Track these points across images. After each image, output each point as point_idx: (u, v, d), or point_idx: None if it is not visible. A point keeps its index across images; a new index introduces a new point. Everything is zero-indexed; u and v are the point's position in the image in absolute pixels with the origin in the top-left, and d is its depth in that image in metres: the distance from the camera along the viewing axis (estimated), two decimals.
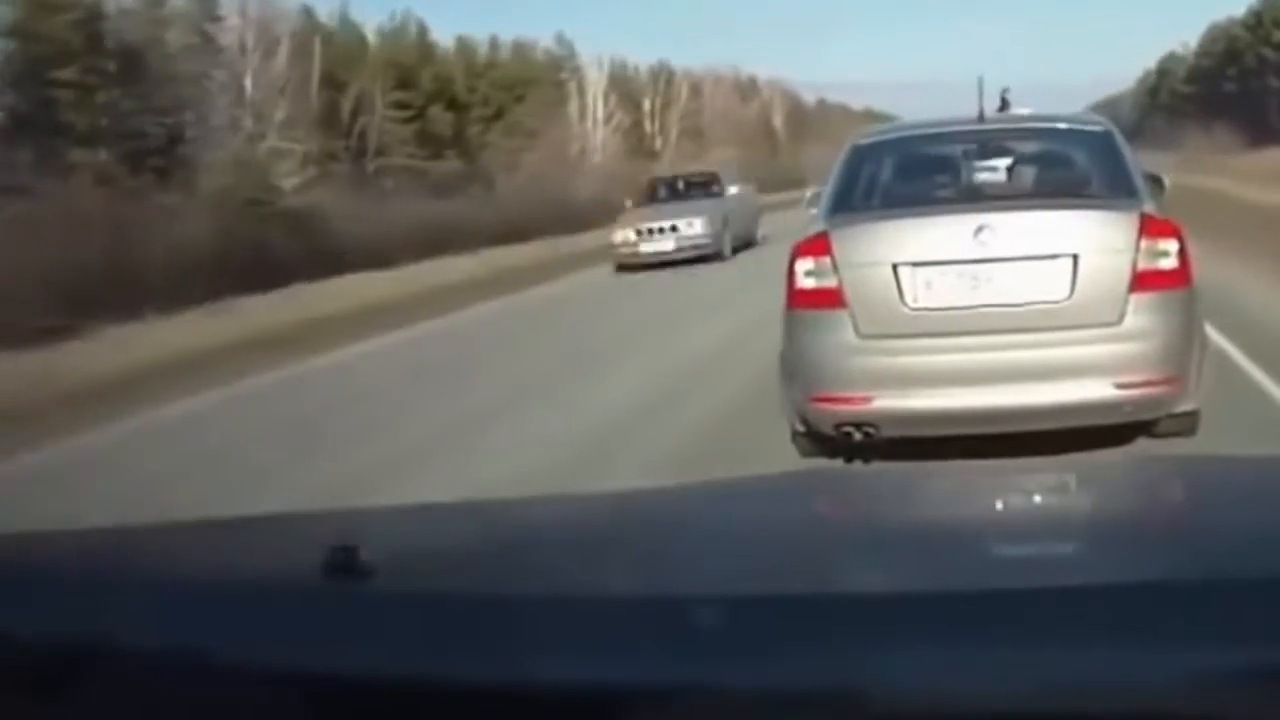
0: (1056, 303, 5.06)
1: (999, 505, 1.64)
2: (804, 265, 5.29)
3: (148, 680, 1.03)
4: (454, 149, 38.45)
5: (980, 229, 5.11)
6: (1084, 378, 5.02)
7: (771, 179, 51.98)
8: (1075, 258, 5.06)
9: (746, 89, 63.91)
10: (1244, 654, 0.93)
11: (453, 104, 40.11)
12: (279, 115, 30.02)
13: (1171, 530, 1.40)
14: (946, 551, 1.32)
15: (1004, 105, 6.53)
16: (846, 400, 5.15)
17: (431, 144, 37.83)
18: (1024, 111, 6.69)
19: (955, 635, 0.96)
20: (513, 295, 16.70)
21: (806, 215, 6.03)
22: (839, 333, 5.18)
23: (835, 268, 5.21)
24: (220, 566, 1.32)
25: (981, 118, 6.01)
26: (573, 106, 44.42)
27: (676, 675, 0.96)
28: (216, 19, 31.56)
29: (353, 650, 1.02)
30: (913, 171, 6.11)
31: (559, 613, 1.05)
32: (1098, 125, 6.21)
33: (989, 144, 5.96)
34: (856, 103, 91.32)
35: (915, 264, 5.15)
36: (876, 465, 5.16)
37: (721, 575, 1.23)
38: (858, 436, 5.16)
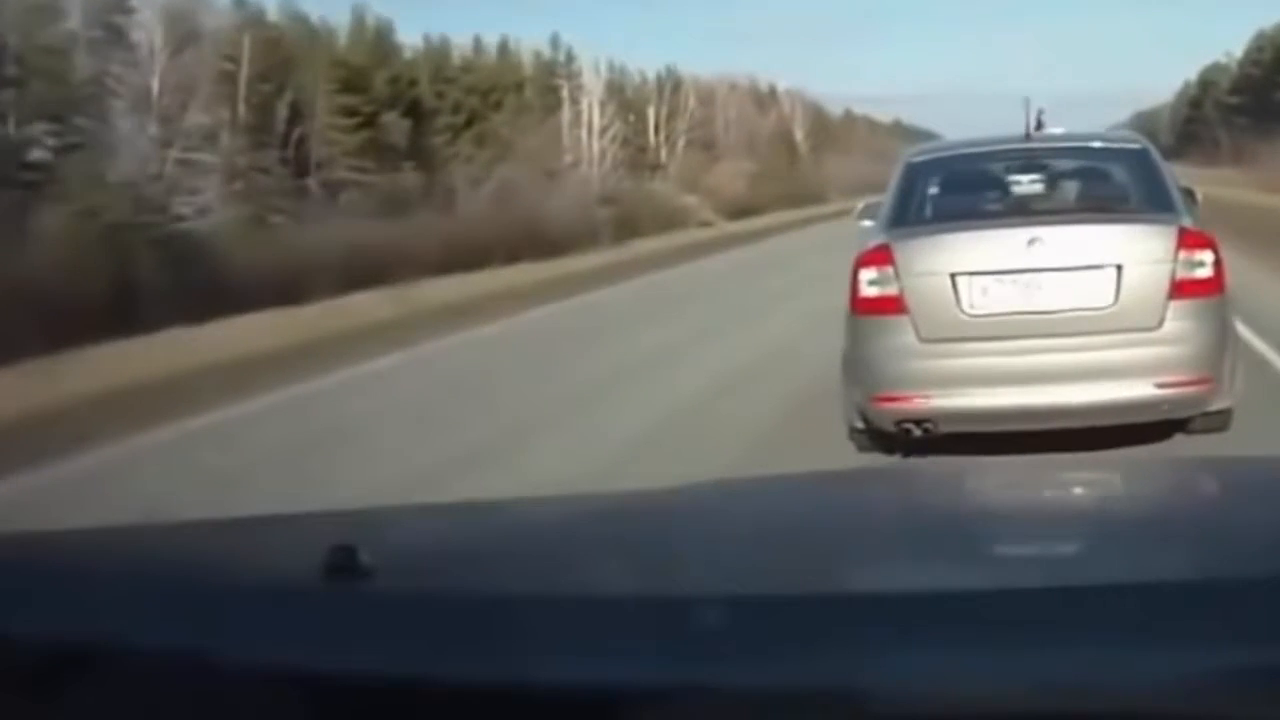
0: (1102, 309, 5.46)
1: (999, 505, 1.64)
2: (867, 274, 5.65)
3: (148, 680, 1.03)
4: (414, 160, 33.46)
5: (1032, 241, 5.52)
6: (1126, 378, 5.41)
7: (789, 194, 47.17)
8: (1119, 268, 5.48)
9: (764, 99, 60.13)
10: (1245, 654, 0.93)
11: (414, 110, 35.56)
12: (191, 121, 25.45)
13: (1173, 530, 1.40)
14: (947, 551, 1.33)
15: (1039, 125, 6.73)
16: (907, 399, 5.52)
17: (387, 155, 33.00)
18: (1058, 130, 7.01)
19: (955, 635, 0.96)
20: (420, 346, 12.65)
21: (857, 227, 6.50)
22: (901, 337, 5.55)
23: (897, 276, 5.58)
24: (220, 566, 1.32)
25: (1028, 136, 6.46)
26: (566, 114, 40.29)
27: (676, 675, 0.96)
28: (128, 11, 26.25)
29: (353, 650, 1.02)
30: (965, 187, 6.52)
31: (559, 613, 1.05)
32: (1136, 144, 6.70)
33: (1036, 162, 6.30)
34: (884, 115, 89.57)
35: (972, 273, 5.54)
36: (874, 467, 5.20)
37: (721, 575, 1.24)
38: (917, 432, 5.56)
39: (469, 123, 37.61)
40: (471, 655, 1.00)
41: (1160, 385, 5.42)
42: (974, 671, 0.94)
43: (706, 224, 37.73)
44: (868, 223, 6.27)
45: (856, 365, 5.78)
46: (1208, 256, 5.55)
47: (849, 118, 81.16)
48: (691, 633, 0.98)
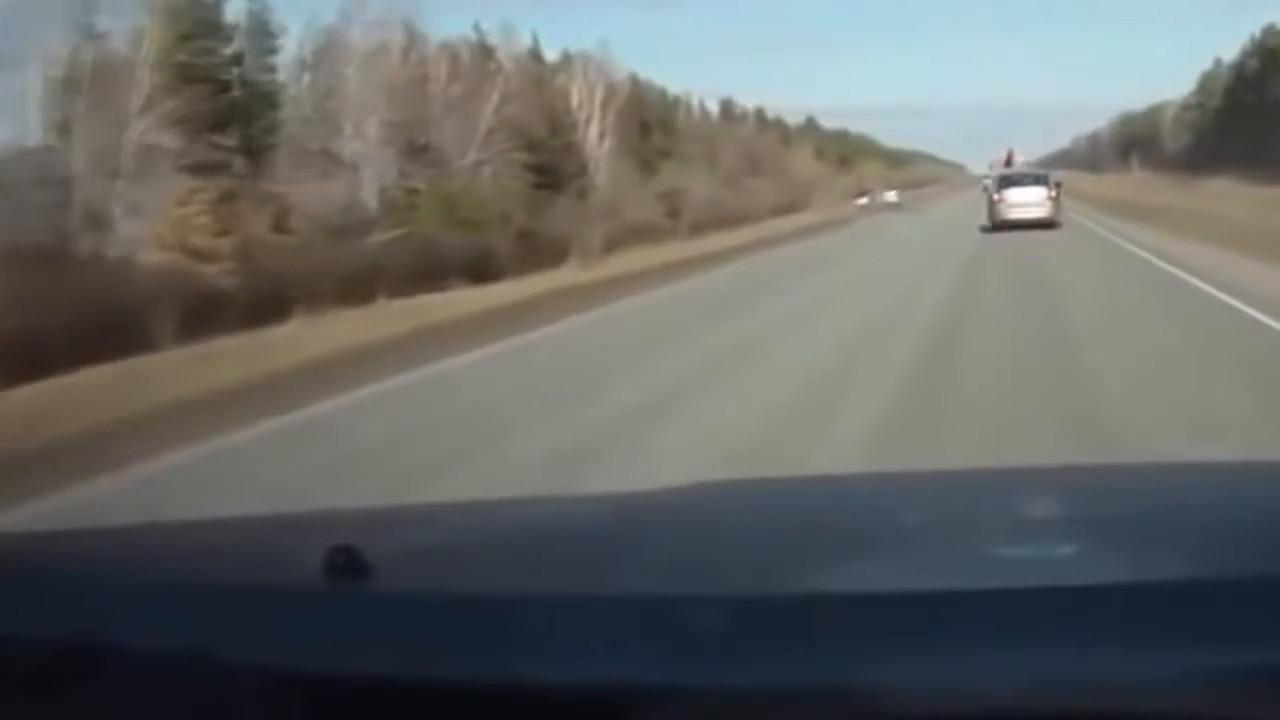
0: (1036, 199, 35.43)
1: (1000, 508, 1.64)
2: (994, 194, 35.76)
3: (148, 680, 1.03)
4: None
5: (1023, 188, 36.72)
6: (1040, 213, 34.11)
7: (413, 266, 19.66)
8: (1043, 191, 36.44)
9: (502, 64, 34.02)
10: (1245, 654, 0.93)
11: None
12: None
13: (1173, 531, 1.40)
14: (946, 552, 1.33)
15: (1009, 159, 45.10)
16: (1004, 216, 34.12)
17: None
18: (1026, 163, 54.20)
19: (955, 635, 0.96)
20: None
21: (983, 192, 40.59)
22: (1003, 205, 34.85)
23: (1001, 195, 35.54)
24: (220, 566, 1.32)
25: (1023, 171, 43.28)
26: None
27: (676, 675, 0.96)
28: None
29: (353, 650, 1.02)
30: (1011, 179, 38.07)
31: (559, 613, 1.05)
32: (1046, 170, 43.08)
33: (1024, 175, 40.07)
34: (794, 116, 72.52)
35: (1015, 194, 35.72)
36: (875, 471, 5.28)
37: (721, 575, 1.23)
38: (1004, 226, 32.99)
39: None
40: (471, 655, 1.00)
41: (1047, 216, 33.72)
42: (974, 671, 0.94)
43: None
44: (989, 187, 38.20)
45: (992, 211, 34.37)
46: (1057, 190, 36.20)
47: (727, 111, 58.12)
48: (691, 633, 0.98)
